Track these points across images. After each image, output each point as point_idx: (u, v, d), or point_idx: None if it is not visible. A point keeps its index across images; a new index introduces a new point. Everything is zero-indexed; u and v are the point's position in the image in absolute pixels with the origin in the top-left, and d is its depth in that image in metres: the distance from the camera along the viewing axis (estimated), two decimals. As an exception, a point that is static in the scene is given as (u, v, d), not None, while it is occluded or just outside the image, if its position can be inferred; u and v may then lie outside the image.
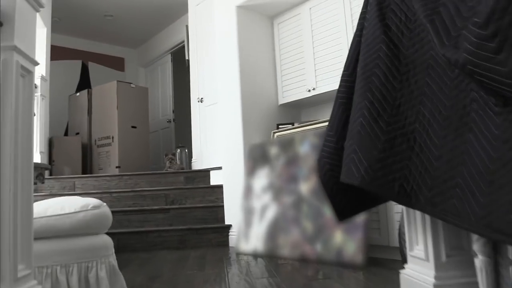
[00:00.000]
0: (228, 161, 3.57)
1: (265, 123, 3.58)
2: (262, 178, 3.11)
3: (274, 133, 3.25)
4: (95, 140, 4.79)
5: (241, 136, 3.43)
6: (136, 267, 2.69)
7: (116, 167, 4.53)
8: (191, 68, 4.72)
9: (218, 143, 4.19)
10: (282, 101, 3.68)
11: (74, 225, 1.58)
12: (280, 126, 3.45)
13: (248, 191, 3.22)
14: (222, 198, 3.83)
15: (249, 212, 3.10)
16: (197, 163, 4.45)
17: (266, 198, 2.98)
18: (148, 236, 3.48)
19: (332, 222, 2.47)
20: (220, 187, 3.97)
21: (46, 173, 4.36)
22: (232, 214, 3.51)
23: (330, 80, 3.27)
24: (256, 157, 3.24)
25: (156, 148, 6.30)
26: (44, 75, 4.41)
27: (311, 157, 2.69)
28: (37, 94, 4.25)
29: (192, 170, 4.30)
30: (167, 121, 6.12)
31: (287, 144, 2.97)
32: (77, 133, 4.96)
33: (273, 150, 3.09)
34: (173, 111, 6.10)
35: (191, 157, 4.64)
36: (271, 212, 2.90)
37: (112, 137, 4.61)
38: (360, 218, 2.36)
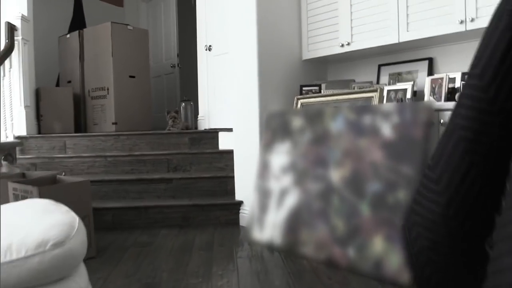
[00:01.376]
0: (240, 123, 3.02)
1: (286, 82, 2.98)
2: (281, 155, 2.55)
3: (298, 99, 2.66)
4: (89, 91, 4.22)
5: (257, 96, 2.85)
6: (130, 264, 2.26)
7: (113, 123, 4.01)
8: (198, 9, 4.01)
9: (228, 100, 3.61)
10: (306, 55, 3.04)
11: (24, 277, 1.08)
12: (304, 88, 2.85)
13: (264, 168, 2.68)
14: (232, 165, 3.34)
15: (265, 194, 2.58)
16: (204, 122, 3.91)
17: (286, 180, 2.45)
18: (147, 212, 3.04)
19: (371, 224, 1.98)
20: (229, 152, 3.46)
21: (34, 128, 3.86)
22: (243, 187, 3.03)
23: (369, 34, 2.62)
24: (275, 128, 2.65)
25: (159, 95, 5.74)
26: (26, 14, 3.75)
27: (347, 138, 2.14)
28: (18, 38, 3.63)
29: (198, 130, 3.76)
30: (171, 66, 5.49)
31: (314, 117, 2.37)
32: (69, 81, 4.38)
33: (297, 122, 2.50)
34: (177, 55, 5.44)
35: (197, 114, 4.08)
36: (292, 198, 2.39)
37: (107, 89, 4.04)
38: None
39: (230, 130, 3.53)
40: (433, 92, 2.35)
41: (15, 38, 3.59)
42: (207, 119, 3.86)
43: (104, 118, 4.09)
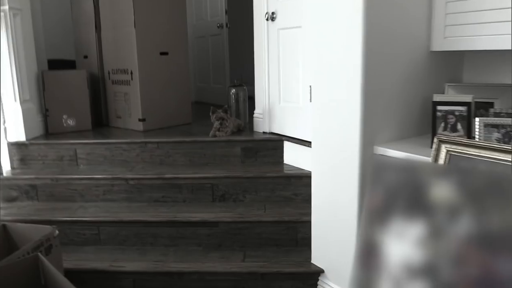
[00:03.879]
0: (325, 137, 1.88)
1: (406, 85, 1.76)
2: (407, 243, 1.44)
3: (441, 142, 1.45)
4: (109, 72, 3.18)
5: (358, 103, 1.69)
6: None
7: (139, 119, 2.98)
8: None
9: (303, 98, 2.46)
10: (439, 46, 1.77)
11: None
12: (441, 108, 1.63)
13: (369, 254, 1.58)
14: (305, 196, 2.29)
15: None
16: (262, 122, 2.78)
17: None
18: (182, 279, 2.07)
19: None
20: (301, 177, 2.38)
21: (38, 128, 2.92)
22: (324, 240, 1.96)
23: None
24: (395, 190, 1.51)
25: (203, 61, 4.62)
26: (14, -30, 2.66)
27: None
28: (4, 8, 2.58)
29: (255, 139, 2.65)
30: (218, 26, 4.29)
31: (487, 191, 1.21)
32: (85, 57, 3.35)
33: (443, 192, 1.34)
34: (226, 12, 4.21)
35: (253, 108, 2.95)
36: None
37: (131, 72, 2.97)
38: None
39: (303, 142, 2.42)
40: None
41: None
42: (267, 119, 2.72)
43: (129, 111, 3.06)
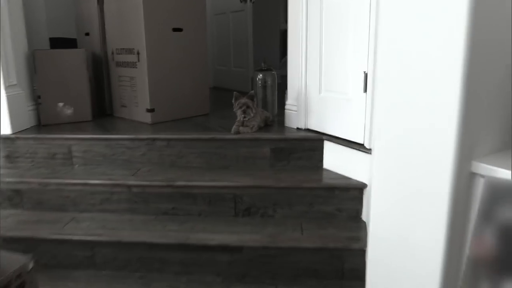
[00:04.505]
0: (393, 143, 1.35)
1: None
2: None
3: None
4: (113, 52, 2.68)
5: (456, 100, 1.15)
6: None
7: (147, 110, 2.49)
8: None
9: (352, 84, 1.92)
10: None
11: None
12: None
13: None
14: (352, 213, 1.81)
15: None
16: (296, 116, 2.25)
17: None
18: (195, 324, 1.60)
19: None
20: (346, 189, 1.87)
21: (28, 119, 2.46)
22: (387, 285, 1.45)
23: None
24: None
25: (223, 41, 4.09)
26: None
27: None
28: (-21, -31, 2.09)
29: (288, 137, 2.12)
30: (241, 1, 3.73)
31: None
32: (87, 34, 2.86)
33: None
34: (249, -17, 3.65)
35: (284, 98, 2.42)
36: None
37: (138, 53, 2.46)
38: None
39: (352, 144, 1.91)
40: None
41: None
42: (302, 112, 2.20)
43: (135, 99, 2.57)
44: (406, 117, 1.26)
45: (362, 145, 1.86)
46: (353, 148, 1.89)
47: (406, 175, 1.29)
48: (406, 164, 1.28)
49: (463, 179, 1.17)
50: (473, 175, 1.18)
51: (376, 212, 1.44)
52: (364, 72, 1.78)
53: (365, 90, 1.78)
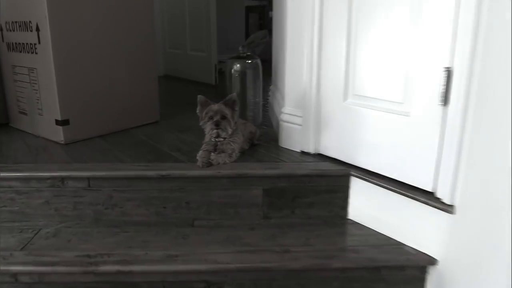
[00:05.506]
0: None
1: None
2: None
3: None
4: (2, 28, 1.70)
5: None
6: None
7: (58, 122, 1.55)
8: None
9: (411, 90, 1.10)
10: None
11: None
12: None
13: None
14: None
15: None
16: (300, 133, 1.41)
17: None
18: None
19: None
20: (401, 268, 1.07)
21: None
22: None
23: None
24: None
25: (177, 14, 3.17)
26: None
27: None
28: None
29: (292, 174, 1.28)
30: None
31: None
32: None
33: None
34: None
35: (282, 99, 1.56)
36: None
37: (37, 28, 1.50)
38: None
39: (407, 188, 1.10)
40: None
41: None
42: (311, 126, 1.36)
43: (38, 104, 1.62)
44: None
45: (431, 194, 1.07)
46: (413, 198, 1.09)
47: None
48: None
49: None
50: None
51: None
52: (447, 68, 0.97)
53: (445, 101, 0.98)
